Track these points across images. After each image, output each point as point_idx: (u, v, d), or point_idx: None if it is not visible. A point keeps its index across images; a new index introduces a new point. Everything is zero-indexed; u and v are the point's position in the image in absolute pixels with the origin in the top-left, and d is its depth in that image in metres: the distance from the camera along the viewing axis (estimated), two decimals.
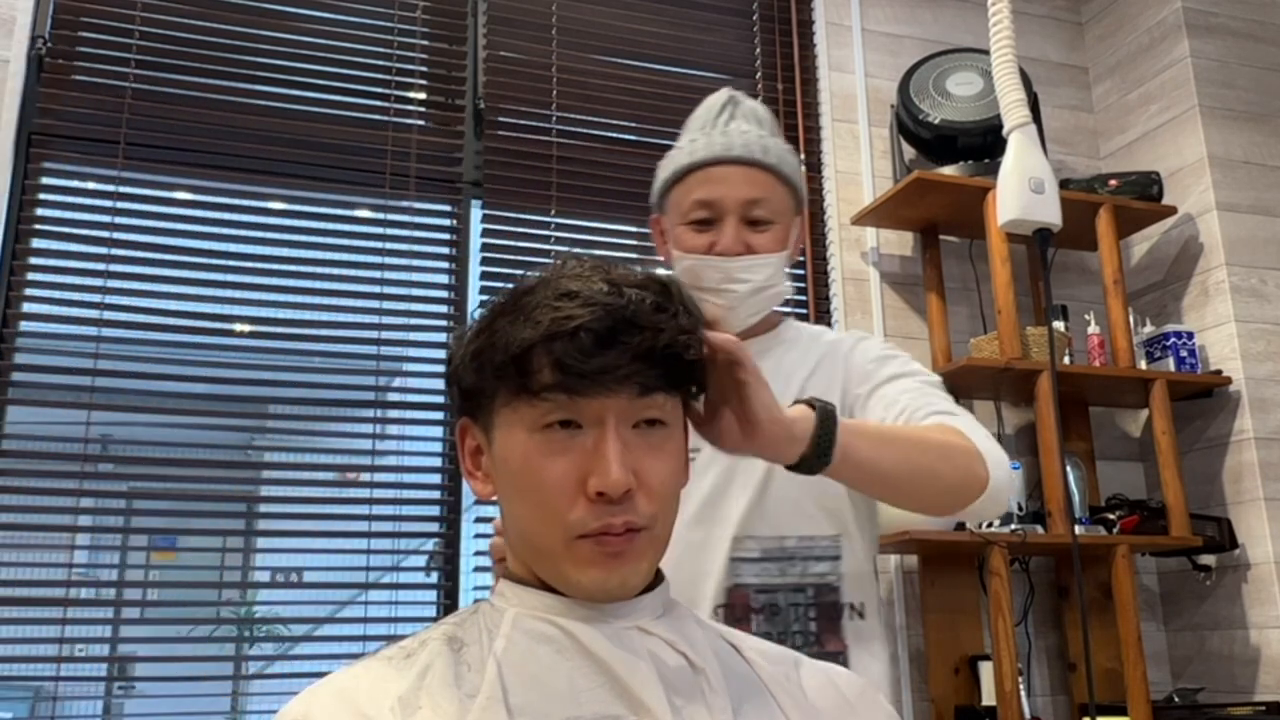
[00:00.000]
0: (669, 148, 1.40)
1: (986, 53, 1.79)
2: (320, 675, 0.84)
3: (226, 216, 2.38)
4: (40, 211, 2.26)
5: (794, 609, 1.30)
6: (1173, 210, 2.81)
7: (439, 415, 2.47)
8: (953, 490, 1.16)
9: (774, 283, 1.35)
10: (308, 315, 2.40)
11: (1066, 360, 2.63)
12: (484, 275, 2.52)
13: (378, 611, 2.31)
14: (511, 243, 2.57)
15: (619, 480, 0.79)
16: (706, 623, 0.95)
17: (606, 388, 0.80)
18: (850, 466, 1.04)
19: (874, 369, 1.33)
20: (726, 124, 1.37)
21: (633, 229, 2.70)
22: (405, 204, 2.51)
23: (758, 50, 2.91)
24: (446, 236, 2.57)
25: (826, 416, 0.99)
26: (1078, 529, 2.52)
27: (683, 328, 0.83)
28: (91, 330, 2.23)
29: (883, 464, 1.08)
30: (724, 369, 0.92)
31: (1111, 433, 2.93)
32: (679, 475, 0.87)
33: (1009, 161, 1.61)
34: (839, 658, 1.28)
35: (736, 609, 1.30)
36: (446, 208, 2.58)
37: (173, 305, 2.32)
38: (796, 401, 1.01)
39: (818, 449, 0.98)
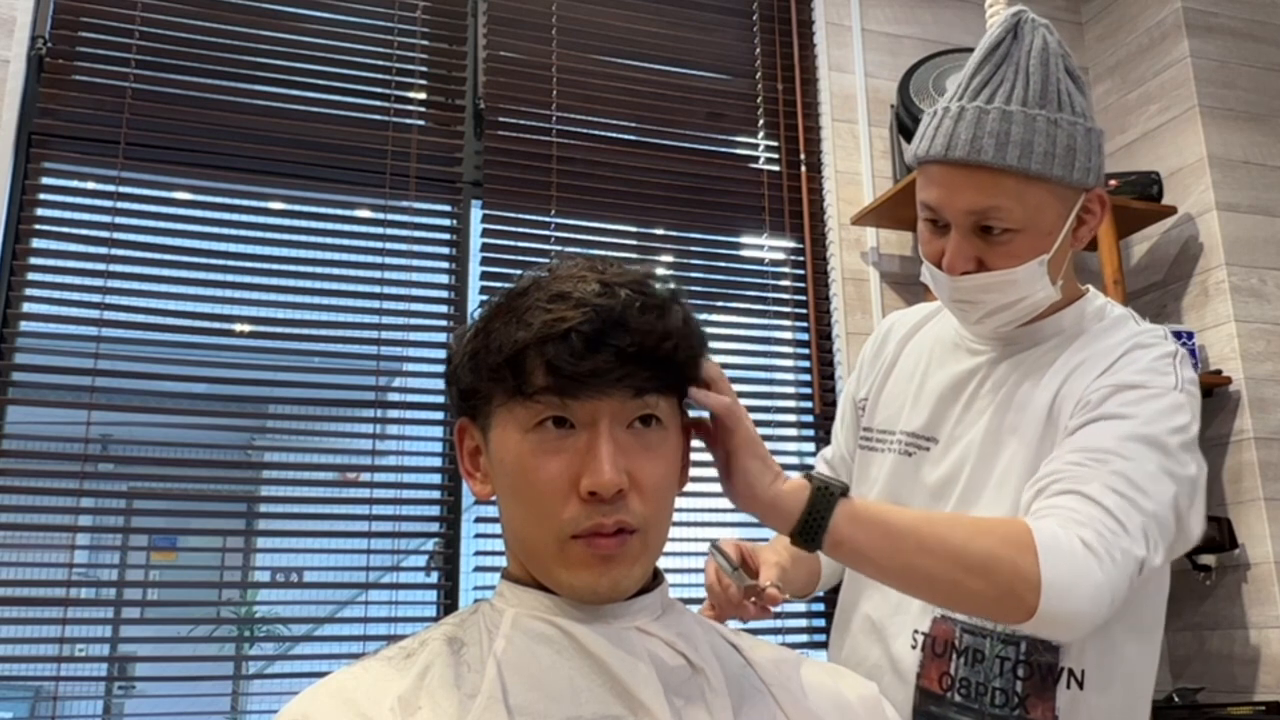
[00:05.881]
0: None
1: None
2: (320, 675, 0.84)
3: (226, 216, 2.38)
4: (40, 211, 2.26)
5: (1000, 661, 1.11)
6: (1172, 210, 2.81)
7: (439, 415, 2.46)
8: (983, 607, 0.98)
9: (1021, 296, 1.11)
10: (308, 315, 2.39)
11: None
12: (484, 275, 2.51)
13: (378, 611, 2.30)
14: (511, 243, 2.57)
15: (611, 480, 0.79)
16: (707, 622, 0.95)
17: (599, 389, 0.79)
18: (846, 556, 0.95)
19: (1099, 398, 1.07)
20: (977, 92, 1.09)
21: (632, 229, 2.69)
22: (405, 204, 2.51)
23: (758, 50, 2.90)
24: (446, 236, 2.57)
25: (820, 499, 0.90)
26: None
27: (670, 330, 0.82)
28: (91, 330, 2.22)
29: (883, 563, 0.94)
30: (722, 432, 0.90)
31: None
32: (673, 477, 0.86)
33: None
34: None
35: (937, 642, 1.14)
36: (446, 208, 2.58)
37: (173, 305, 2.32)
38: (805, 475, 0.93)
39: (805, 531, 0.90)
